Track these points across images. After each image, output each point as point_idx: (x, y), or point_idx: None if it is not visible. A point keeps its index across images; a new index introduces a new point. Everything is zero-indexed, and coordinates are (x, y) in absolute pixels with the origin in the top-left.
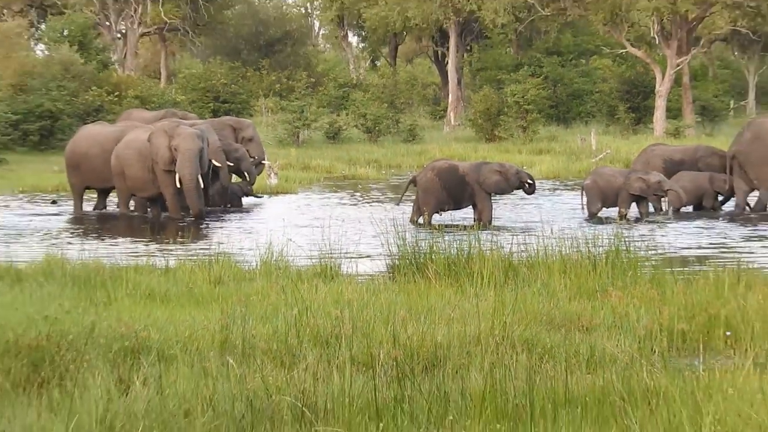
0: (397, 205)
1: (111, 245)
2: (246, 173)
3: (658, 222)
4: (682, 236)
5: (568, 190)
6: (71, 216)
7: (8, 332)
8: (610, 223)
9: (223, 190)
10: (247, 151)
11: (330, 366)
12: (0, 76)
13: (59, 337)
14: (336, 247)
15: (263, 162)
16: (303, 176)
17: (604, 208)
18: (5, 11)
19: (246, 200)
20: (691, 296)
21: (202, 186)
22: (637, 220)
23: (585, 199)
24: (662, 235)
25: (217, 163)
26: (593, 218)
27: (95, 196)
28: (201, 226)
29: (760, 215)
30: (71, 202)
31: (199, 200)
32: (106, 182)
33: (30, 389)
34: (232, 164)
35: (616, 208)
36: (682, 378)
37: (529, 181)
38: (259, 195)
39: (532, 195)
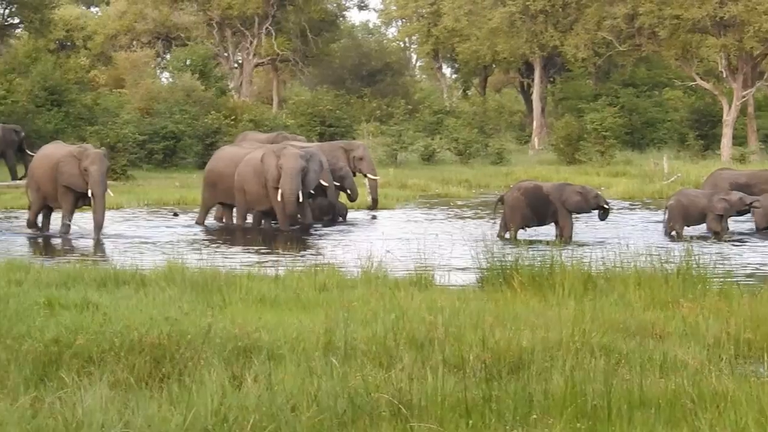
0: (493, 221)
1: (228, 254)
2: (349, 190)
3: (734, 239)
4: (754, 254)
5: (642, 209)
6: (195, 227)
7: (133, 331)
8: (690, 240)
9: (330, 206)
10: (360, 169)
11: (424, 367)
12: (129, 101)
13: (179, 336)
14: (430, 258)
15: (374, 177)
16: (400, 194)
17: (686, 227)
18: (135, 42)
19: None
20: (756, 308)
21: (300, 201)
22: (714, 238)
23: (667, 217)
24: (735, 253)
25: (324, 183)
26: (674, 236)
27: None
28: (308, 238)
29: None
30: (193, 215)
31: (296, 214)
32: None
33: (152, 383)
34: (337, 183)
35: (696, 227)
36: (748, 383)
37: (605, 206)
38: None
39: (605, 220)
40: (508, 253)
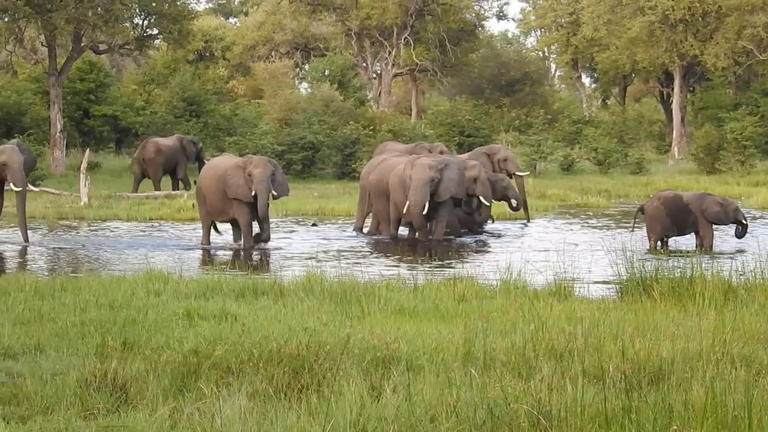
0: (631, 231)
1: (368, 264)
2: (512, 200)
3: None
4: None
5: None
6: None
7: (272, 342)
8: None
9: (470, 217)
10: (506, 170)
11: (563, 377)
12: (268, 111)
13: (317, 347)
14: (569, 269)
15: (522, 174)
16: (539, 204)
17: None
18: (274, 53)
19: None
20: None
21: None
22: None
23: None
24: None
25: (484, 200)
26: None
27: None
28: (447, 248)
29: None
30: (333, 225)
31: (423, 225)
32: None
33: (290, 394)
34: (498, 193)
35: None
36: None
37: (744, 221)
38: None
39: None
40: (647, 263)
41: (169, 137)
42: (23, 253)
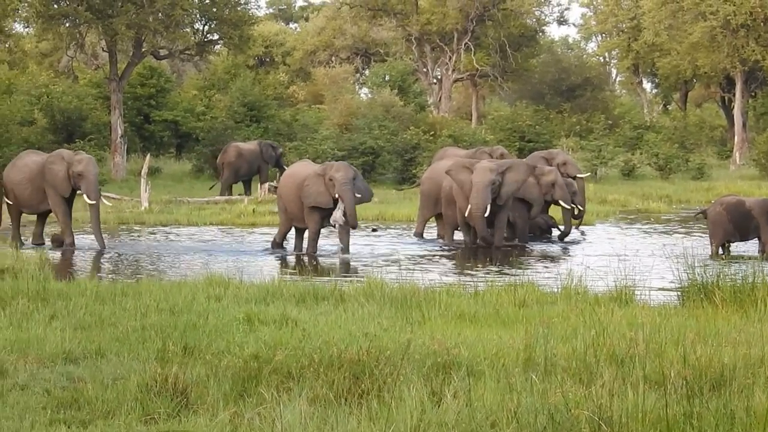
0: (694, 236)
1: (429, 270)
2: (579, 206)
3: None
4: None
5: None
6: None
7: (332, 347)
8: None
9: (533, 223)
10: (567, 173)
11: (624, 383)
12: (328, 116)
13: (378, 352)
14: (630, 274)
15: (583, 176)
16: (600, 209)
17: None
18: (334, 58)
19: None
20: None
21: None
22: None
23: None
24: None
25: (564, 204)
26: None
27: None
28: (509, 254)
29: None
30: (393, 230)
31: (483, 228)
32: None
33: (351, 399)
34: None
35: None
36: None
37: None
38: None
39: None
40: (708, 269)
41: (249, 142)
42: (99, 257)
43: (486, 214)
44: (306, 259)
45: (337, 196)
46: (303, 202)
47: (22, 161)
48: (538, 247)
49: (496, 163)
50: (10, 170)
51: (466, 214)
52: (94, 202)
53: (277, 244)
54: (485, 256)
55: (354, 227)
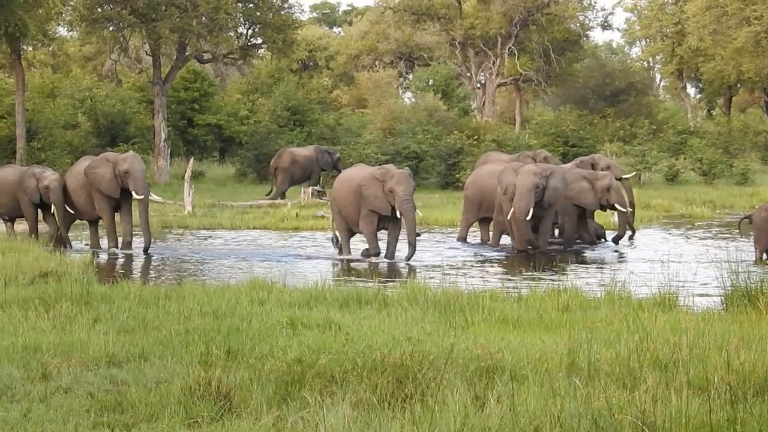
0: (738, 242)
1: (471, 274)
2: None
3: None
4: None
5: None
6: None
7: (376, 351)
8: None
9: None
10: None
11: (668, 388)
12: (371, 121)
13: (421, 356)
14: (674, 279)
15: (628, 176)
16: (644, 214)
17: None
18: (377, 62)
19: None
20: None
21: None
22: None
23: None
24: None
25: (620, 208)
26: None
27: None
28: (552, 259)
29: None
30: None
31: (526, 233)
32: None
33: (394, 403)
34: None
35: None
36: None
37: None
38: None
39: None
40: (753, 274)
41: (305, 147)
42: (148, 261)
43: (528, 218)
44: (373, 261)
45: (398, 212)
46: (359, 205)
47: (77, 168)
48: (582, 253)
49: (541, 167)
50: (68, 177)
51: (508, 217)
52: (142, 197)
53: (345, 249)
54: (529, 261)
55: (413, 243)
